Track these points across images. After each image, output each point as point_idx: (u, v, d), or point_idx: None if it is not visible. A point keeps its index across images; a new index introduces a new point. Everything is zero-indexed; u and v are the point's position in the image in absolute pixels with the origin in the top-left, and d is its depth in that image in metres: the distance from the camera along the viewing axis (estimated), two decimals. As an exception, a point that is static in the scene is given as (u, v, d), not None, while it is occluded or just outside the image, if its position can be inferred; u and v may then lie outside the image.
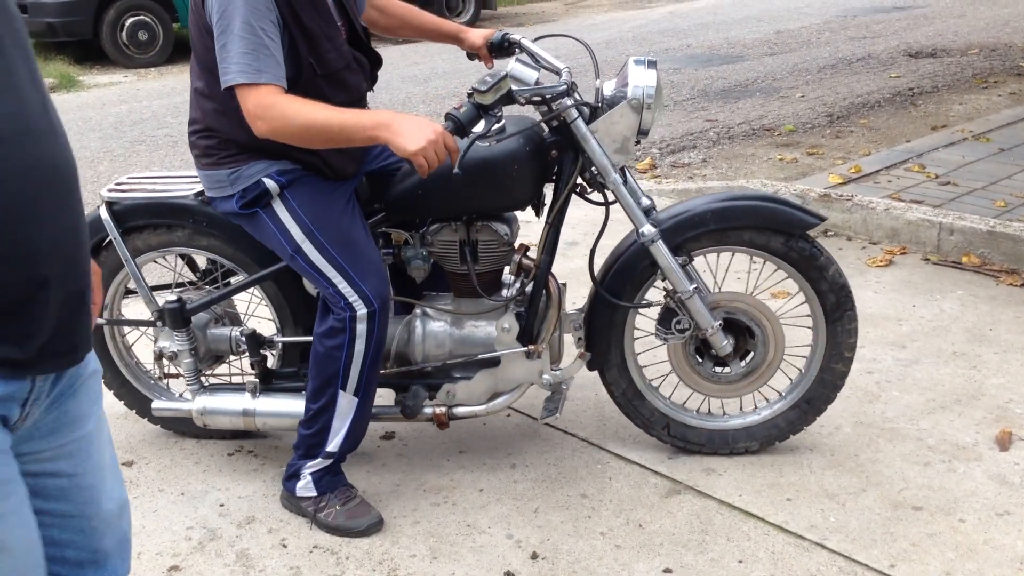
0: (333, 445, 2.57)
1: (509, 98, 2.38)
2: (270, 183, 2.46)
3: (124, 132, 7.49)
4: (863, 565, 2.39)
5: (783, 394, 2.84)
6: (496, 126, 2.39)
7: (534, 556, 2.47)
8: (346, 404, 2.53)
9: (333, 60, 2.40)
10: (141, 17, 10.57)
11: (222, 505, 2.73)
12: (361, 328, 2.46)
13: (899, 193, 4.86)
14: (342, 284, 2.45)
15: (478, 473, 2.84)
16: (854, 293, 2.71)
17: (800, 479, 2.74)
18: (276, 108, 2.24)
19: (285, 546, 2.55)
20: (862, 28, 10.98)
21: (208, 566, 2.48)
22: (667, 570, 2.41)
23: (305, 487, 2.61)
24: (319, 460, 2.60)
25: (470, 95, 2.34)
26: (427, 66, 9.57)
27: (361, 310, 2.45)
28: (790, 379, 2.85)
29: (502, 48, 2.81)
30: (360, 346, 2.47)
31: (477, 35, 2.86)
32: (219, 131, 2.47)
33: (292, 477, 2.64)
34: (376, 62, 2.61)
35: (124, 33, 10.55)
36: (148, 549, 2.55)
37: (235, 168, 2.48)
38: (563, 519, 2.62)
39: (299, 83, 2.34)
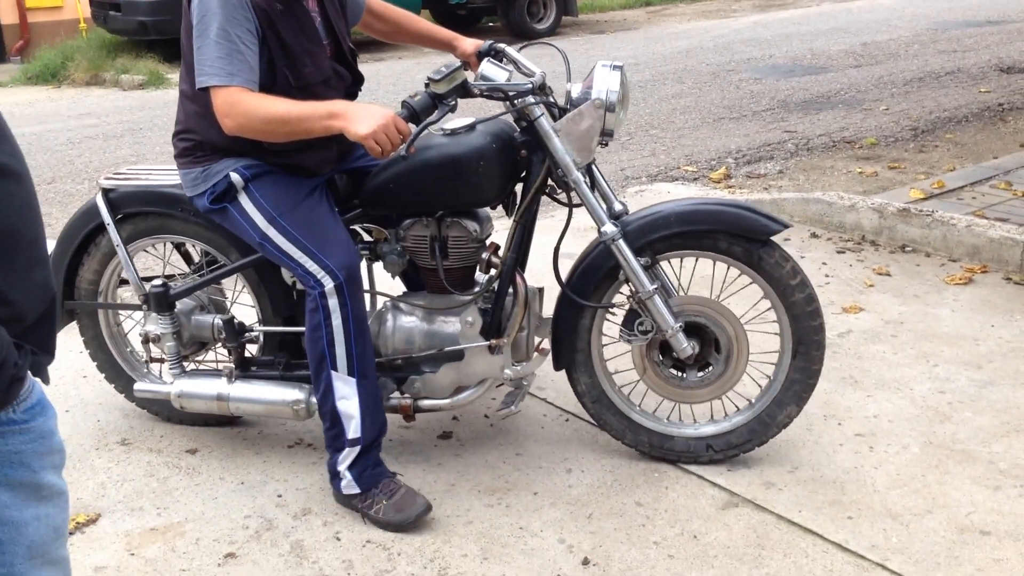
0: (352, 432, 2.60)
1: (464, 89, 2.48)
2: (235, 176, 2.58)
3: (207, 129, 7.64)
4: (925, 589, 2.32)
5: (780, 351, 2.77)
6: (463, 122, 2.55)
7: (585, 562, 2.45)
8: (344, 385, 2.58)
9: (310, 74, 2.54)
10: (230, 18, 10.80)
11: (280, 496, 2.77)
12: (333, 303, 2.52)
13: (983, 210, 4.71)
14: (308, 263, 2.54)
15: (533, 476, 2.83)
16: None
17: (863, 498, 2.67)
18: (240, 105, 2.38)
19: (339, 539, 2.57)
20: (953, 42, 10.71)
21: (263, 555, 2.52)
22: (720, 583, 2.37)
23: (348, 485, 2.63)
24: (347, 450, 2.62)
25: (427, 84, 2.43)
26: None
27: (328, 284, 2.52)
28: (779, 336, 2.77)
29: (490, 56, 2.86)
30: (337, 321, 2.53)
31: (469, 43, 2.96)
32: (197, 132, 2.61)
33: (335, 477, 2.67)
34: (358, 80, 2.75)
35: (212, 33, 10.79)
36: (206, 535, 2.60)
37: (206, 166, 2.62)
38: (616, 526, 2.59)
39: (273, 91, 2.46)
